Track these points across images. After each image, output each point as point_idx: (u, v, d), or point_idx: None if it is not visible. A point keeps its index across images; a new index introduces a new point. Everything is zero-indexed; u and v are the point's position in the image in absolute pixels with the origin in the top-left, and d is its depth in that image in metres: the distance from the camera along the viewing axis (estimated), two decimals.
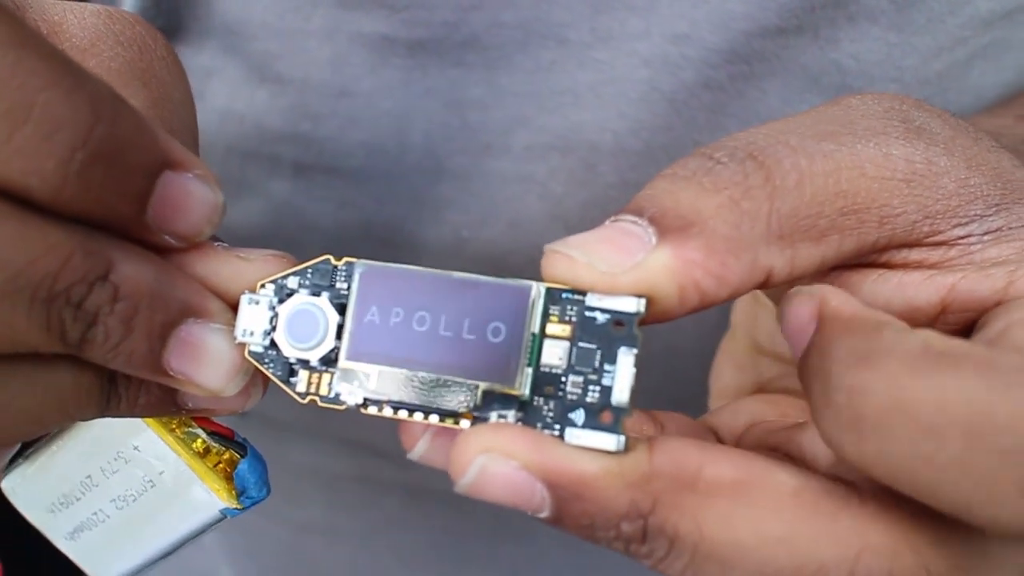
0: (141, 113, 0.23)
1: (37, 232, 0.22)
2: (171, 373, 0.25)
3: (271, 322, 0.26)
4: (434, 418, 0.25)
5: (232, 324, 0.26)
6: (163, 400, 0.27)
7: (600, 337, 0.24)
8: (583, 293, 0.24)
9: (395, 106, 0.42)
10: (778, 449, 0.28)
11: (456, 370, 0.24)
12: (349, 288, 0.25)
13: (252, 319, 0.25)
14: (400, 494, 0.48)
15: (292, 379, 0.26)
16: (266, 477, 0.30)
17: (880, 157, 0.25)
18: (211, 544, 0.53)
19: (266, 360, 0.26)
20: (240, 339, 0.26)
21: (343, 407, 0.25)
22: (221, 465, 0.30)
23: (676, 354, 0.44)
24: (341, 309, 0.25)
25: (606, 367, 0.24)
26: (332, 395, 0.25)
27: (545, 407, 0.24)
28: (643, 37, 0.40)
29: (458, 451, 0.23)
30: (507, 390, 0.24)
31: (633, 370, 0.23)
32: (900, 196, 0.25)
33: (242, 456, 0.30)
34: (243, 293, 0.26)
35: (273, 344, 0.26)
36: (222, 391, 0.26)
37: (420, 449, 0.26)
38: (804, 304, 0.25)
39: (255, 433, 0.49)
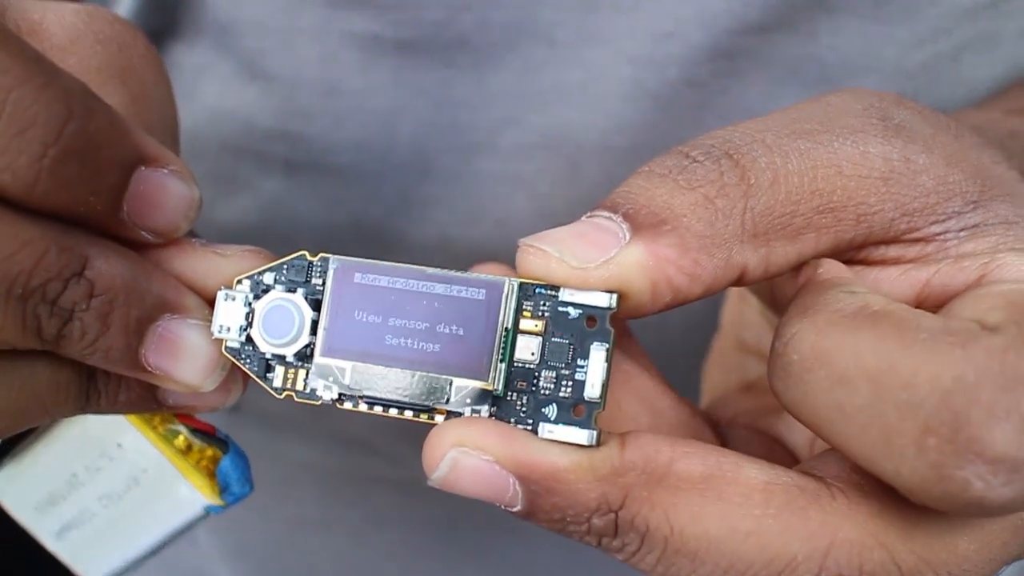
0: (115, 109, 0.24)
1: (11, 229, 0.22)
2: (149, 369, 0.26)
3: (247, 318, 0.26)
4: (408, 413, 0.25)
5: (209, 320, 0.26)
6: (144, 396, 0.27)
7: (573, 332, 0.24)
8: (556, 288, 0.24)
9: (384, 105, 0.43)
10: (765, 432, 0.29)
11: (430, 365, 0.25)
12: (324, 284, 0.26)
13: (228, 315, 0.26)
14: (393, 490, 0.49)
15: (269, 375, 0.26)
16: (249, 473, 0.30)
17: (857, 155, 0.25)
18: (205, 539, 0.54)
19: (243, 356, 0.26)
20: (217, 335, 0.26)
21: (319, 402, 0.26)
22: (204, 462, 0.30)
23: (666, 353, 0.44)
24: (316, 305, 0.26)
25: (579, 362, 0.24)
26: (308, 390, 0.26)
27: (518, 402, 0.25)
28: (629, 36, 0.40)
29: (431, 445, 0.24)
30: (480, 385, 0.24)
31: (605, 365, 0.24)
32: (877, 194, 0.26)
33: (224, 452, 0.30)
34: (220, 289, 0.26)
35: (249, 340, 0.26)
36: (200, 386, 0.26)
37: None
38: (803, 271, 0.26)
39: (248, 429, 0.50)
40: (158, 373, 0.26)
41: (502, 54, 0.41)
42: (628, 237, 0.24)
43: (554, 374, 0.24)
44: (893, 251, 0.27)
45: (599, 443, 0.24)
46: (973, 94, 0.43)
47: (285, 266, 0.26)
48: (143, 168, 0.24)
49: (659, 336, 0.45)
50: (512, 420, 0.25)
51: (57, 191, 0.23)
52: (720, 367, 0.36)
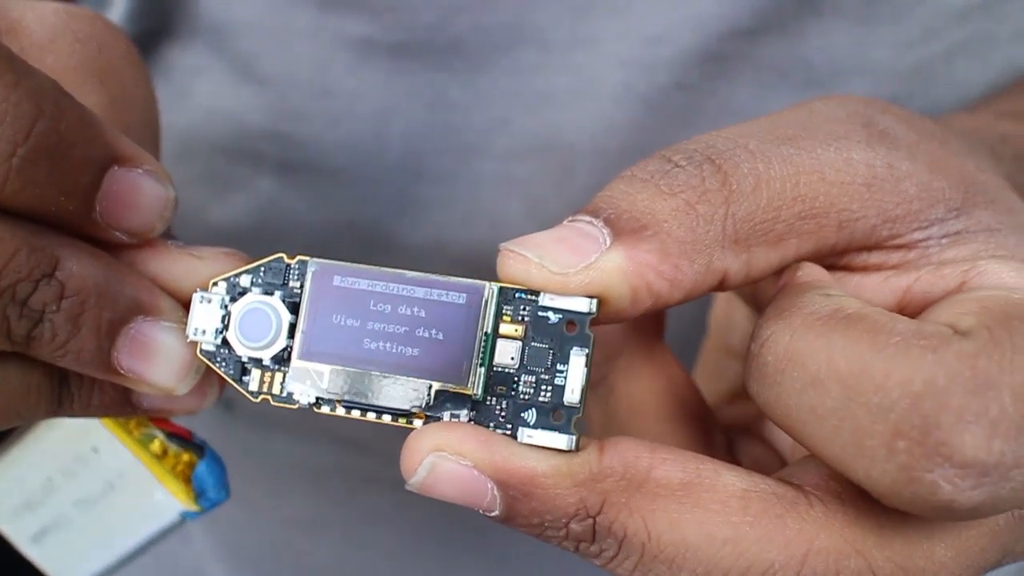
0: (87, 108, 0.24)
1: None
2: (122, 371, 0.26)
3: (223, 321, 0.26)
4: (387, 418, 0.25)
5: (184, 322, 0.26)
6: (118, 400, 0.28)
7: (553, 337, 0.24)
8: (536, 293, 0.25)
9: (377, 107, 0.43)
10: (753, 434, 0.29)
11: (409, 369, 0.25)
12: (302, 287, 0.26)
13: (204, 317, 0.26)
14: (386, 489, 0.49)
15: (245, 378, 0.26)
16: (225, 479, 0.30)
17: (840, 161, 0.26)
18: (199, 537, 0.54)
19: (218, 359, 0.26)
20: (192, 337, 0.26)
21: (296, 406, 0.26)
22: (180, 467, 0.30)
23: None
24: (294, 308, 0.26)
25: (558, 367, 0.24)
26: (284, 394, 0.26)
27: (498, 406, 0.25)
28: (620, 39, 0.41)
29: (409, 449, 0.24)
30: (460, 389, 0.25)
31: (585, 370, 0.24)
32: (860, 201, 0.26)
33: (200, 457, 0.30)
34: (195, 291, 0.26)
35: (225, 343, 0.26)
36: (174, 389, 0.26)
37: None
38: (783, 275, 0.26)
39: (241, 428, 0.51)
40: (131, 376, 0.26)
41: (495, 57, 0.42)
42: (609, 242, 0.24)
43: (534, 379, 0.25)
44: (875, 257, 0.27)
45: (578, 448, 0.24)
46: (966, 97, 0.43)
47: (262, 268, 0.26)
48: (116, 168, 0.25)
49: None
50: (491, 425, 0.25)
51: (27, 190, 0.23)
52: (708, 373, 0.36)
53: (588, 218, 0.25)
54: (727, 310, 0.36)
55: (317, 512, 0.51)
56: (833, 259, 0.27)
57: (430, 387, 0.25)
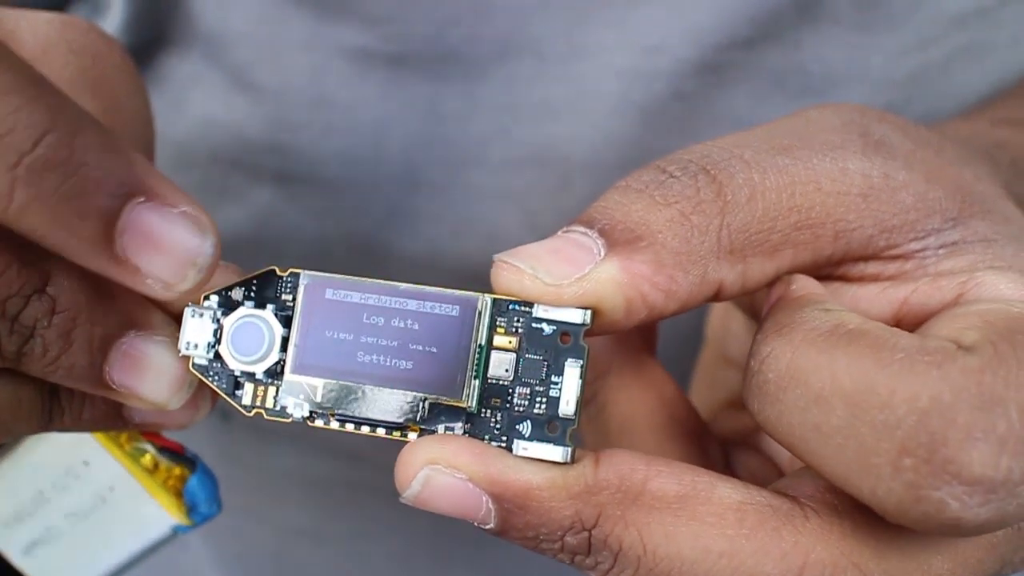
0: (116, 135, 0.23)
1: None
2: (114, 386, 0.26)
3: (215, 335, 0.26)
4: (381, 431, 0.26)
5: (175, 336, 0.26)
6: (108, 414, 0.28)
7: (547, 349, 0.25)
8: (530, 305, 0.25)
9: (373, 118, 0.44)
10: (750, 445, 0.30)
11: (402, 382, 0.25)
12: (294, 300, 0.26)
13: (196, 332, 0.26)
14: (385, 498, 0.50)
15: (238, 392, 0.27)
16: (217, 493, 0.31)
17: (836, 171, 0.26)
18: (197, 546, 0.55)
19: (210, 373, 0.27)
20: (184, 352, 0.26)
21: (289, 420, 0.26)
22: (171, 481, 0.31)
23: None
24: (286, 321, 0.26)
25: (553, 379, 0.25)
26: (278, 408, 0.26)
27: (492, 419, 0.25)
28: (616, 50, 0.41)
29: (403, 463, 0.25)
30: (454, 402, 0.25)
31: (579, 382, 0.25)
32: (856, 211, 0.26)
33: (192, 471, 0.31)
34: (187, 305, 0.26)
35: (218, 357, 0.26)
36: (166, 404, 0.27)
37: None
38: (775, 288, 0.27)
39: (239, 437, 0.51)
40: (123, 391, 0.26)
41: (491, 68, 0.42)
42: (603, 253, 0.25)
43: (528, 391, 0.25)
44: (872, 268, 0.28)
45: (573, 460, 0.24)
46: (963, 104, 0.44)
47: (254, 282, 0.27)
48: (142, 200, 0.23)
49: None
50: (486, 437, 0.25)
51: (36, 205, 0.22)
52: (705, 383, 0.36)
53: (582, 229, 0.25)
54: (724, 320, 0.36)
55: (314, 522, 0.51)
56: (829, 269, 0.28)
57: (424, 400, 0.25)
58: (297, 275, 0.26)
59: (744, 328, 0.35)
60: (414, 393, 0.25)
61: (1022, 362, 0.22)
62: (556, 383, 0.25)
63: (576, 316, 0.25)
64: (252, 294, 0.27)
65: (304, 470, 0.50)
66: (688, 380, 0.38)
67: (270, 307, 0.26)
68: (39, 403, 0.27)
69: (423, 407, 0.25)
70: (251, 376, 0.27)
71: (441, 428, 0.25)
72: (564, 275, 0.25)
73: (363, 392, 0.25)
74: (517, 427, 0.25)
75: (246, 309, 0.26)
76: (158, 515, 0.31)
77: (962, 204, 0.27)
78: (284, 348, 0.26)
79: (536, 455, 0.25)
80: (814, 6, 0.40)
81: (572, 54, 0.42)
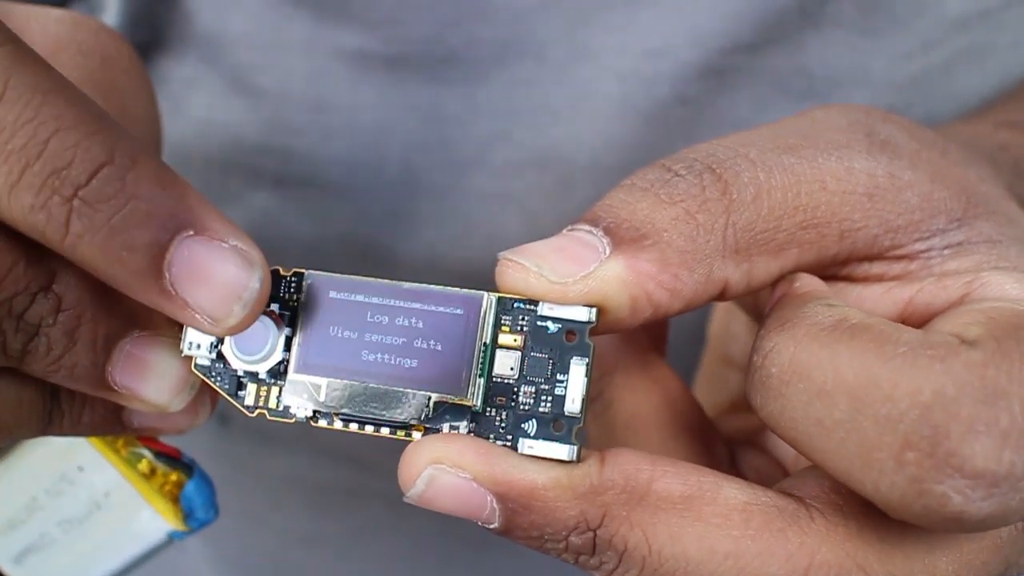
0: (172, 171, 0.24)
1: None
2: (115, 388, 0.26)
3: None
4: (385, 431, 0.26)
5: (178, 337, 0.27)
6: (108, 418, 0.28)
7: (552, 347, 0.26)
8: (535, 303, 0.26)
9: (373, 121, 0.44)
10: (755, 444, 0.30)
11: (407, 381, 0.26)
12: (298, 299, 0.27)
13: (198, 332, 0.27)
14: (382, 503, 0.50)
15: (240, 392, 0.27)
16: (214, 499, 0.31)
17: (842, 171, 0.27)
18: (195, 549, 0.55)
19: (213, 373, 0.27)
20: (186, 352, 0.27)
21: (292, 420, 0.27)
22: (168, 486, 0.31)
23: None
24: (290, 320, 0.27)
25: (558, 377, 0.25)
26: (281, 408, 0.27)
27: (497, 417, 0.26)
28: (619, 53, 0.42)
29: (407, 462, 0.25)
30: (459, 401, 0.26)
31: (585, 379, 0.25)
32: (861, 210, 0.27)
33: (189, 477, 0.31)
34: None
35: (220, 357, 0.27)
36: (167, 406, 0.27)
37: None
38: (779, 286, 0.28)
39: (237, 441, 0.52)
40: (124, 392, 0.27)
41: (491, 70, 0.43)
42: (608, 251, 0.25)
43: (533, 389, 0.26)
44: (877, 268, 0.28)
45: (579, 458, 0.25)
46: (965, 107, 0.45)
47: None
48: (191, 234, 0.24)
49: None
50: (491, 436, 0.26)
51: (88, 237, 0.23)
52: (708, 384, 0.37)
53: (587, 227, 0.26)
54: (727, 320, 0.37)
55: (314, 526, 0.52)
56: (835, 269, 0.28)
57: (429, 399, 0.26)
58: (301, 275, 0.27)
59: (746, 329, 0.36)
60: (419, 392, 0.26)
61: None
62: (562, 381, 0.25)
63: (581, 314, 0.25)
64: None
65: (303, 474, 0.51)
66: (691, 381, 0.38)
67: (274, 306, 0.27)
68: (40, 405, 0.27)
69: (428, 406, 0.26)
70: (254, 376, 0.27)
71: (446, 427, 0.26)
72: (569, 273, 0.25)
73: (367, 391, 0.26)
74: (522, 426, 0.26)
75: None
76: (154, 521, 0.31)
77: (967, 205, 0.28)
78: (288, 348, 0.27)
79: (542, 453, 0.25)
80: (817, 9, 0.41)
81: (573, 57, 0.42)
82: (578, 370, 0.25)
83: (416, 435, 0.26)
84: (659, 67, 0.42)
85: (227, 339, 0.27)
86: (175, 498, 0.31)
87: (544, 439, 0.25)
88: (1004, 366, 0.23)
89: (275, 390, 0.27)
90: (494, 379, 0.26)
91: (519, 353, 0.26)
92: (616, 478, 0.25)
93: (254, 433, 0.51)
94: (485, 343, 0.26)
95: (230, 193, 0.47)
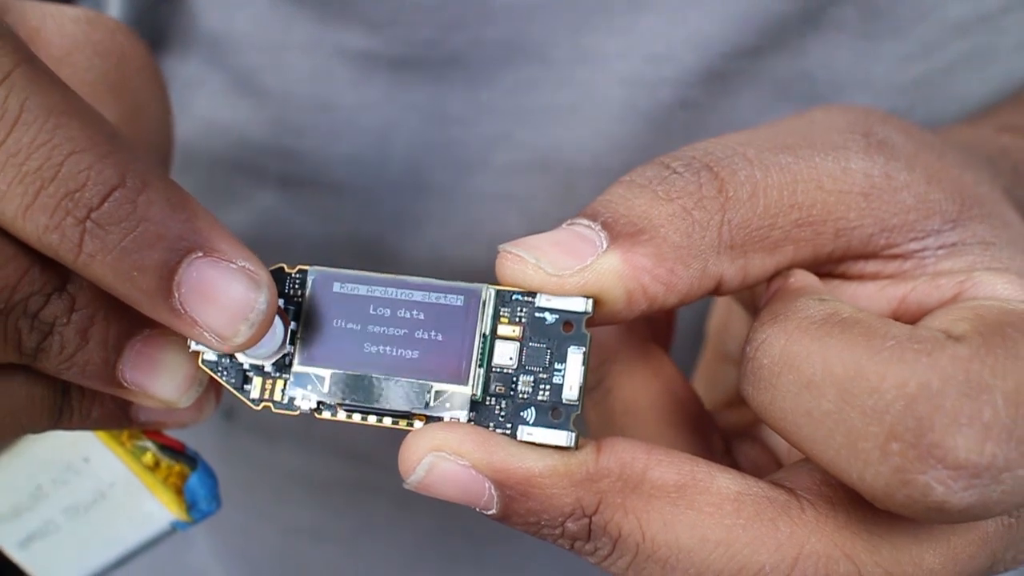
0: (183, 193, 0.26)
1: None
2: (125, 384, 0.28)
3: None
4: (387, 420, 0.28)
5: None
6: (116, 413, 0.30)
7: (550, 337, 0.27)
8: (533, 295, 0.27)
9: (377, 121, 0.46)
10: (747, 433, 0.32)
11: (409, 371, 0.27)
12: (302, 294, 0.28)
13: None
14: (388, 498, 0.52)
15: (246, 386, 0.29)
16: (217, 491, 0.33)
17: (838, 171, 0.28)
18: (202, 543, 0.57)
19: (219, 369, 0.29)
20: (193, 348, 0.28)
21: (297, 412, 0.28)
22: (172, 479, 0.33)
23: None
24: (295, 315, 0.28)
25: (556, 366, 0.27)
26: (286, 400, 0.28)
27: (497, 406, 0.27)
28: (622, 57, 0.43)
29: (408, 449, 0.26)
30: (459, 390, 0.27)
31: (583, 368, 0.27)
32: (857, 210, 0.28)
33: (192, 469, 0.32)
34: None
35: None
36: (177, 403, 0.29)
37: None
38: (774, 281, 0.29)
39: (242, 437, 0.54)
40: (134, 389, 0.28)
41: (495, 72, 0.44)
42: (605, 245, 0.27)
43: (532, 378, 0.27)
44: (871, 267, 0.30)
45: (577, 445, 0.26)
46: (966, 110, 0.46)
47: None
48: (199, 255, 0.26)
49: None
50: (491, 425, 0.27)
51: (100, 257, 0.25)
52: (706, 380, 0.38)
53: (586, 221, 0.27)
54: (725, 318, 0.38)
55: (318, 521, 0.53)
56: (830, 267, 0.30)
57: (430, 388, 0.27)
58: (305, 271, 0.28)
59: (744, 326, 0.37)
60: (420, 381, 0.27)
61: (1010, 353, 0.24)
62: (559, 370, 0.27)
63: (578, 304, 0.27)
64: None
65: (306, 470, 0.52)
66: (690, 377, 0.40)
67: (279, 301, 0.28)
68: (51, 401, 0.28)
69: (429, 395, 0.27)
70: (260, 369, 0.28)
71: (446, 416, 0.27)
72: (567, 266, 0.26)
73: (370, 381, 0.27)
74: (521, 414, 0.27)
75: None
76: (158, 512, 0.32)
77: (962, 207, 0.29)
78: (292, 341, 0.28)
79: (541, 440, 0.26)
80: (819, 14, 0.43)
81: (577, 60, 0.44)
82: (575, 359, 0.27)
83: (417, 424, 0.27)
84: (662, 71, 0.43)
85: None
86: (179, 489, 0.32)
87: (543, 426, 0.27)
88: (989, 361, 0.24)
89: (280, 383, 0.28)
90: (493, 369, 0.27)
91: (518, 343, 0.27)
92: (612, 466, 0.26)
93: (258, 429, 0.52)
94: (484, 334, 0.27)
95: (234, 193, 0.49)
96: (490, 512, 0.26)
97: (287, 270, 0.29)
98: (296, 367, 0.28)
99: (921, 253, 0.29)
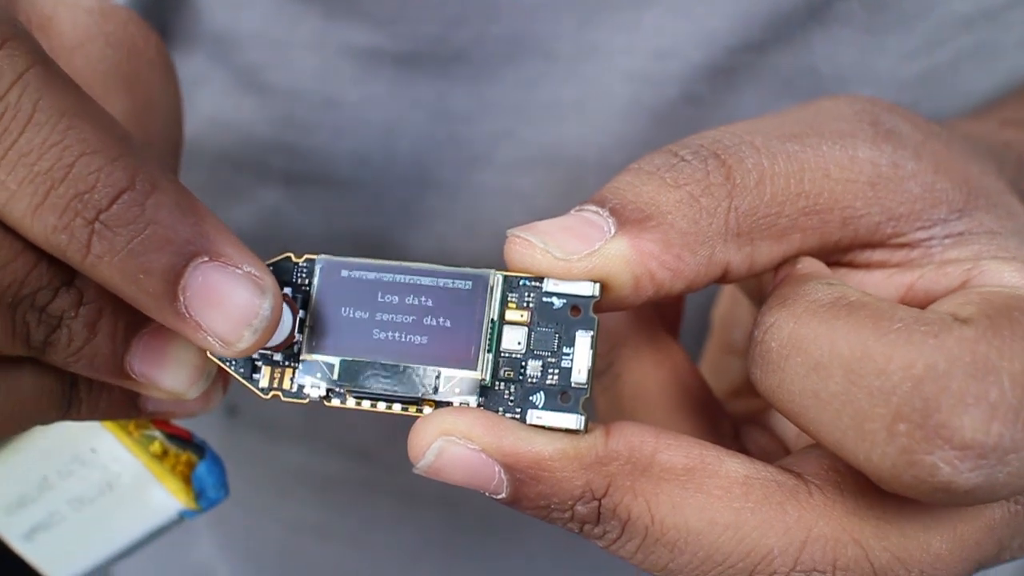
0: (191, 196, 0.26)
1: (4, 241, 0.26)
2: (134, 376, 0.28)
3: None
4: (397, 406, 0.28)
5: None
6: (124, 404, 0.30)
7: (558, 321, 0.28)
8: (541, 280, 0.28)
9: (382, 117, 0.47)
10: (755, 421, 0.32)
11: (417, 357, 0.28)
12: (310, 283, 0.29)
13: None
14: (391, 496, 0.52)
15: (255, 375, 0.29)
16: (224, 479, 0.33)
17: (846, 159, 0.29)
18: (206, 540, 0.58)
19: (228, 359, 0.29)
20: None
21: (306, 400, 0.29)
22: (179, 467, 0.33)
23: None
24: (303, 303, 0.29)
25: (564, 350, 0.28)
26: (295, 389, 0.29)
27: (506, 391, 0.28)
28: (627, 53, 0.44)
29: (417, 434, 0.27)
30: (468, 375, 0.28)
31: (591, 352, 0.27)
32: (864, 198, 0.29)
33: (200, 458, 0.33)
34: None
35: None
36: (185, 394, 0.29)
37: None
38: (782, 269, 0.29)
39: (247, 435, 0.55)
40: (143, 381, 0.28)
41: (500, 68, 0.45)
42: (613, 231, 0.27)
43: (540, 363, 0.28)
44: (879, 255, 0.30)
45: (587, 428, 0.27)
46: (971, 105, 0.47)
47: (270, 268, 0.29)
48: (205, 259, 0.26)
49: None
50: (500, 409, 0.28)
51: (107, 258, 0.25)
52: (711, 371, 0.39)
53: (594, 207, 0.28)
54: (730, 309, 0.39)
55: (321, 518, 0.54)
56: (837, 255, 0.30)
57: (439, 374, 0.28)
58: (313, 260, 0.29)
59: (750, 317, 0.38)
60: (429, 367, 0.28)
61: (1017, 335, 0.25)
62: (567, 354, 0.27)
63: (586, 288, 0.27)
64: None
65: (310, 467, 0.53)
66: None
67: (287, 290, 0.29)
68: (59, 393, 0.29)
69: (438, 381, 0.28)
70: (268, 359, 0.29)
71: (456, 401, 0.28)
72: (574, 251, 0.27)
73: (379, 368, 0.28)
74: (530, 398, 0.28)
75: None
76: (166, 500, 0.33)
77: (968, 196, 0.30)
78: (301, 330, 0.29)
79: (550, 423, 0.27)
80: (824, 8, 0.44)
81: (581, 55, 0.45)
82: (583, 342, 0.27)
83: (427, 410, 0.28)
84: (667, 66, 0.44)
85: None
86: (187, 478, 0.33)
87: (552, 410, 0.27)
88: (995, 343, 0.24)
89: (289, 372, 0.29)
90: (502, 354, 0.28)
91: (526, 328, 0.28)
92: (621, 449, 0.27)
93: (262, 426, 0.53)
94: (493, 319, 0.28)
95: (239, 190, 0.50)
96: (500, 496, 0.27)
97: (294, 259, 0.29)
98: (305, 355, 0.29)
99: (928, 242, 0.30)
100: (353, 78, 0.46)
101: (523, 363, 0.28)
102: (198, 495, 0.33)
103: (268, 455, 0.54)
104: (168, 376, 0.28)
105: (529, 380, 0.28)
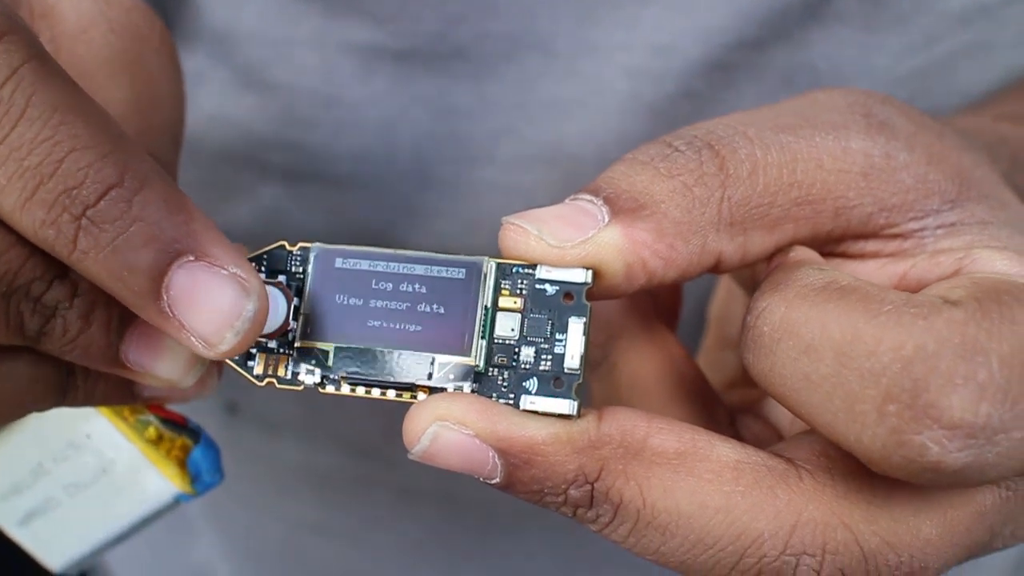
0: (180, 194, 0.27)
1: None
2: (128, 365, 0.29)
3: None
4: (391, 393, 0.29)
5: None
6: (120, 390, 0.31)
7: (551, 308, 0.28)
8: (534, 267, 0.29)
9: (383, 114, 0.47)
10: (750, 410, 0.33)
11: (412, 344, 0.29)
12: (304, 271, 0.30)
13: None
14: (391, 492, 0.53)
15: (249, 363, 0.30)
16: (219, 463, 0.34)
17: (838, 150, 0.30)
18: (206, 537, 0.58)
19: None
20: None
21: (301, 387, 0.30)
22: (175, 452, 0.34)
23: None
24: (298, 291, 0.30)
25: (557, 336, 0.28)
26: (289, 376, 0.30)
27: (499, 377, 0.29)
28: (626, 49, 0.45)
29: (412, 420, 0.28)
30: (462, 361, 0.28)
31: (583, 338, 0.28)
32: (856, 189, 0.30)
33: (195, 443, 0.34)
34: None
35: None
36: (180, 382, 0.29)
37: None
38: (775, 258, 0.30)
39: (247, 431, 0.55)
40: (138, 369, 0.29)
41: (499, 65, 0.46)
42: (607, 220, 0.28)
43: (534, 349, 0.28)
44: (871, 246, 0.31)
45: (580, 413, 0.28)
46: (968, 101, 0.48)
47: (265, 256, 0.30)
48: (189, 259, 0.26)
49: None
50: (494, 395, 0.29)
51: (93, 254, 0.26)
52: (707, 365, 0.40)
53: (588, 196, 0.29)
54: (726, 304, 0.40)
55: (322, 515, 0.55)
56: (830, 246, 0.31)
57: (433, 360, 0.29)
58: (307, 248, 0.30)
59: (745, 308, 0.38)
60: (423, 354, 0.29)
61: (1005, 317, 0.25)
62: (560, 340, 0.28)
63: (578, 275, 0.28)
64: (263, 268, 0.30)
65: (310, 464, 0.54)
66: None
67: (281, 278, 0.30)
68: (55, 381, 0.29)
69: (432, 367, 0.28)
70: (263, 346, 0.30)
71: (450, 387, 0.29)
72: (568, 238, 0.28)
73: (373, 355, 0.29)
74: (524, 384, 0.28)
75: None
76: (161, 485, 0.34)
77: (960, 187, 0.31)
78: (296, 317, 0.29)
79: (544, 408, 0.28)
80: (822, 5, 0.44)
81: (581, 52, 0.45)
82: (576, 328, 0.28)
83: (421, 396, 0.29)
84: (666, 63, 0.45)
85: None
86: (182, 462, 0.34)
87: (545, 395, 0.28)
88: (984, 324, 0.25)
89: (284, 359, 0.30)
90: (495, 340, 0.29)
91: (519, 315, 0.29)
92: (613, 433, 0.27)
93: (261, 423, 0.54)
94: (486, 306, 0.29)
95: (240, 187, 0.50)
96: (494, 481, 0.28)
97: (288, 247, 0.30)
98: (300, 342, 0.29)
99: (920, 232, 0.30)
100: (353, 75, 0.47)
101: (516, 349, 0.29)
102: (193, 479, 0.34)
103: (268, 453, 0.54)
104: (163, 365, 0.29)
105: (522, 366, 0.28)
